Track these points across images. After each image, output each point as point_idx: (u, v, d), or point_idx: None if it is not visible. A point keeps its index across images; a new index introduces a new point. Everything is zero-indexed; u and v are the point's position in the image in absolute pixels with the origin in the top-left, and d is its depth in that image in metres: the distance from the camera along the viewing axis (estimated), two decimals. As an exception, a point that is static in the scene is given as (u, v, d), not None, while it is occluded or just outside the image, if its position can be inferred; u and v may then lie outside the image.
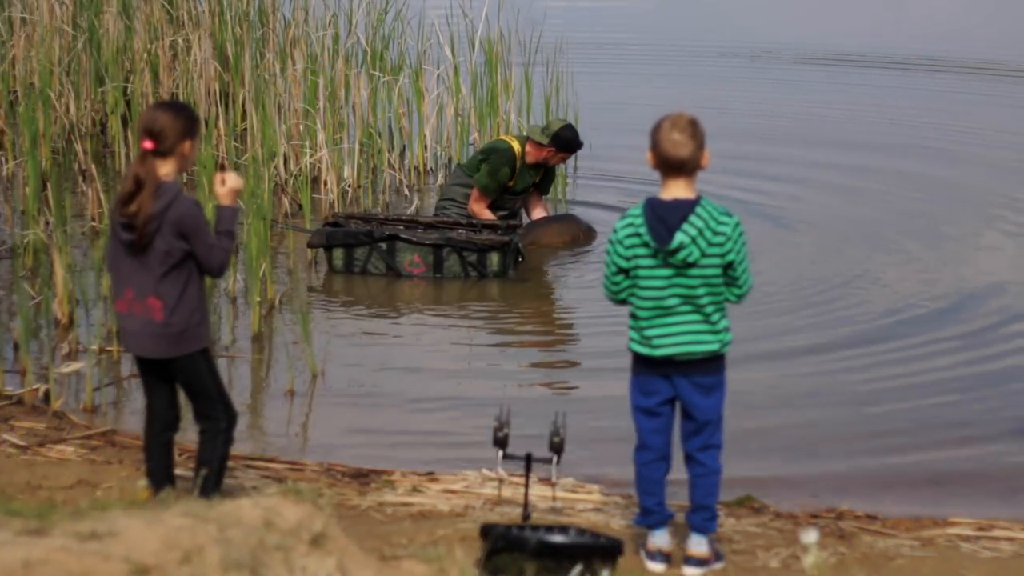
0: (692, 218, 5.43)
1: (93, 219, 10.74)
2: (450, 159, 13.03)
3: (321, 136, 12.01)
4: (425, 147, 13.02)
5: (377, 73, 13.15)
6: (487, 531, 5.37)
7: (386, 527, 6.03)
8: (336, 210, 11.41)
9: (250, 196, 9.79)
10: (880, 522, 6.31)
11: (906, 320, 9.21)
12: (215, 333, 8.45)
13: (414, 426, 7.55)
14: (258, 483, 6.46)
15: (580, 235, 10.83)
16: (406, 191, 12.46)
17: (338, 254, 10.01)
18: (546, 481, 6.28)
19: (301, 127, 12.33)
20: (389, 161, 12.60)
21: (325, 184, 11.89)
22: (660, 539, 5.70)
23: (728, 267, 5.50)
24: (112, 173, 12.39)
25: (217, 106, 13.22)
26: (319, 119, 12.12)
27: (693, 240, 5.42)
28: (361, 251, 9.98)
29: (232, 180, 5.75)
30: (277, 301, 9.38)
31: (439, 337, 9.02)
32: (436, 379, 8.25)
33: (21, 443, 6.95)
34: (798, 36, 21.61)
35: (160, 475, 5.82)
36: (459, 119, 13.06)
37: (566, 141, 10.72)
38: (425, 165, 12.99)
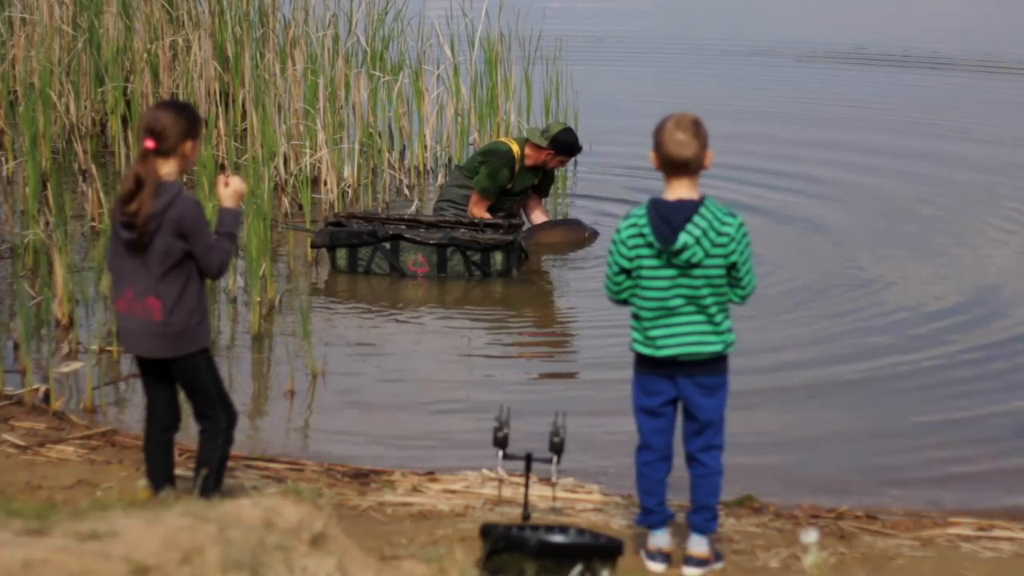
0: (696, 218, 5.43)
1: (93, 219, 10.74)
2: (450, 159, 13.04)
3: (321, 136, 12.01)
4: (425, 147, 13.02)
5: (377, 73, 13.15)
6: (487, 531, 5.37)
7: (386, 527, 6.03)
8: (336, 210, 11.41)
9: (250, 196, 9.78)
10: (880, 522, 6.31)
11: (906, 320, 9.21)
12: (215, 333, 8.45)
13: (414, 426, 7.55)
14: (258, 483, 6.46)
15: (584, 238, 10.84)
16: (406, 191, 12.46)
17: (342, 254, 10.01)
18: (546, 481, 6.28)
19: (301, 127, 12.33)
20: (389, 161, 12.60)
21: (325, 184, 11.89)
22: (660, 539, 5.70)
23: (731, 268, 5.50)
24: (112, 173, 12.40)
25: (217, 106, 13.22)
26: (319, 119, 12.12)
27: (697, 240, 5.42)
28: (365, 251, 9.98)
29: (236, 183, 5.76)
30: (277, 301, 9.38)
31: (439, 337, 9.02)
32: (436, 379, 8.25)
33: (21, 443, 6.95)
34: (797, 33, 21.61)
35: (160, 475, 5.81)
36: (459, 119, 13.07)
37: (565, 145, 10.71)
38: (425, 165, 12.99)
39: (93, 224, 10.64)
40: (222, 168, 12.07)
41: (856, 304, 9.52)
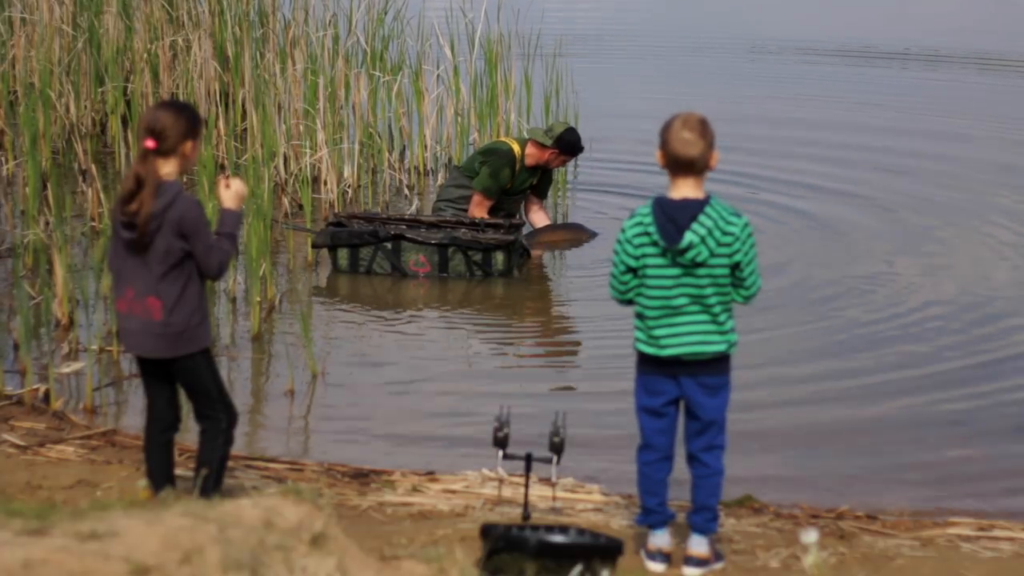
0: (701, 217, 5.43)
1: (93, 219, 10.74)
2: (450, 159, 13.04)
3: (321, 136, 12.01)
4: (425, 147, 13.03)
5: (377, 73, 13.15)
6: (487, 531, 5.37)
7: (386, 527, 6.03)
8: (336, 210, 11.41)
9: (250, 196, 9.78)
10: (880, 522, 6.31)
11: (906, 320, 9.22)
12: (215, 333, 8.45)
13: (414, 426, 7.55)
14: (258, 483, 6.46)
15: (584, 239, 10.85)
16: (406, 191, 12.46)
17: (343, 254, 10.01)
18: (546, 481, 6.28)
19: (301, 127, 12.33)
20: (389, 161, 12.60)
21: (325, 184, 11.89)
22: (660, 539, 5.70)
23: (736, 268, 5.50)
24: (112, 173, 12.40)
25: (217, 106, 13.22)
26: (319, 119, 12.12)
27: (702, 240, 5.42)
28: (366, 251, 9.99)
29: (237, 184, 5.76)
30: (277, 301, 9.38)
31: (440, 337, 9.02)
32: (436, 379, 8.25)
33: (21, 443, 6.95)
34: (797, 31, 21.61)
35: (160, 475, 5.81)
36: (459, 119, 13.07)
37: (569, 144, 10.72)
38: (425, 165, 12.99)
39: (93, 224, 10.64)
40: (222, 168, 12.07)
41: (856, 305, 9.51)
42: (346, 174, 12.09)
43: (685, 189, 5.49)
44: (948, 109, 16.06)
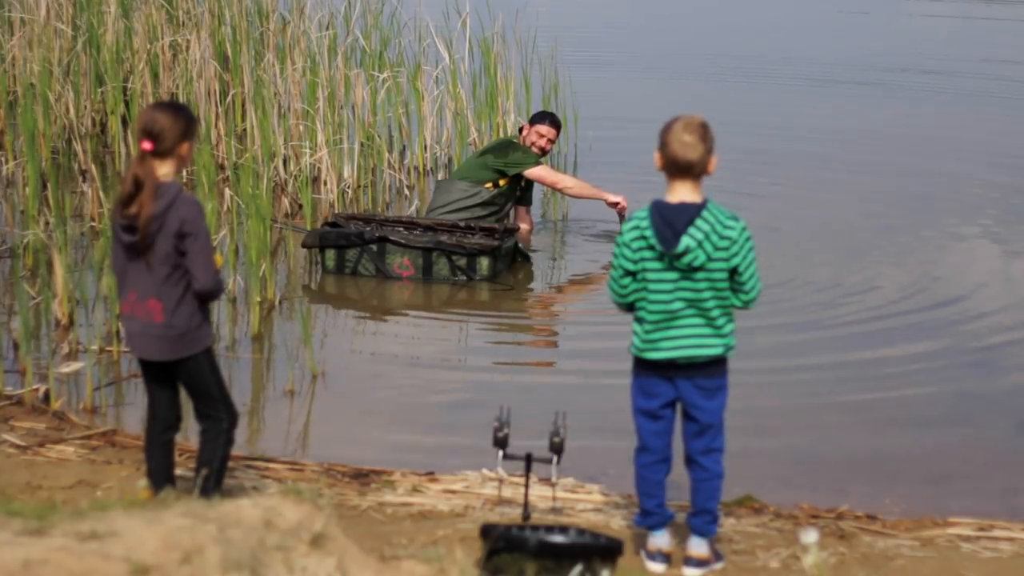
0: (698, 221, 5.42)
1: (93, 219, 10.74)
2: (450, 159, 13.04)
3: (321, 136, 12.01)
4: (425, 147, 13.03)
5: (376, 73, 13.15)
6: (487, 531, 5.37)
7: (386, 527, 6.03)
8: (336, 210, 11.41)
9: (250, 196, 9.79)
10: (880, 522, 6.31)
11: (906, 321, 9.22)
12: (215, 333, 8.45)
13: (414, 426, 7.55)
14: (258, 483, 6.46)
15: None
16: (406, 191, 12.46)
17: (330, 255, 10.02)
18: (546, 481, 6.28)
19: (301, 127, 12.34)
20: (389, 161, 12.60)
21: (325, 184, 11.89)
22: (660, 539, 5.70)
23: (734, 272, 5.48)
24: (112, 173, 12.40)
25: (216, 106, 13.22)
26: (318, 119, 12.12)
27: (699, 244, 5.41)
28: (352, 252, 9.99)
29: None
30: (277, 301, 9.38)
31: (440, 337, 9.02)
32: (436, 379, 8.25)
33: (21, 443, 6.94)
34: (787, 48, 21.62)
35: (160, 475, 5.81)
36: (458, 119, 13.07)
37: (540, 115, 11.02)
38: (425, 165, 12.99)
39: (93, 224, 10.64)
40: (221, 168, 12.08)
41: (855, 306, 9.52)
42: (346, 174, 12.09)
43: (683, 192, 5.47)
44: (929, 124, 16.06)
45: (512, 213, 11.14)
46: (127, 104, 13.20)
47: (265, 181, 10.47)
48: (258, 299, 8.92)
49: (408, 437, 7.40)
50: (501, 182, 10.79)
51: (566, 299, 10.06)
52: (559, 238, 11.17)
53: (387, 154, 12.60)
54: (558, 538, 5.31)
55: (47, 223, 10.07)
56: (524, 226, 11.08)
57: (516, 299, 9.82)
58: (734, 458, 6.13)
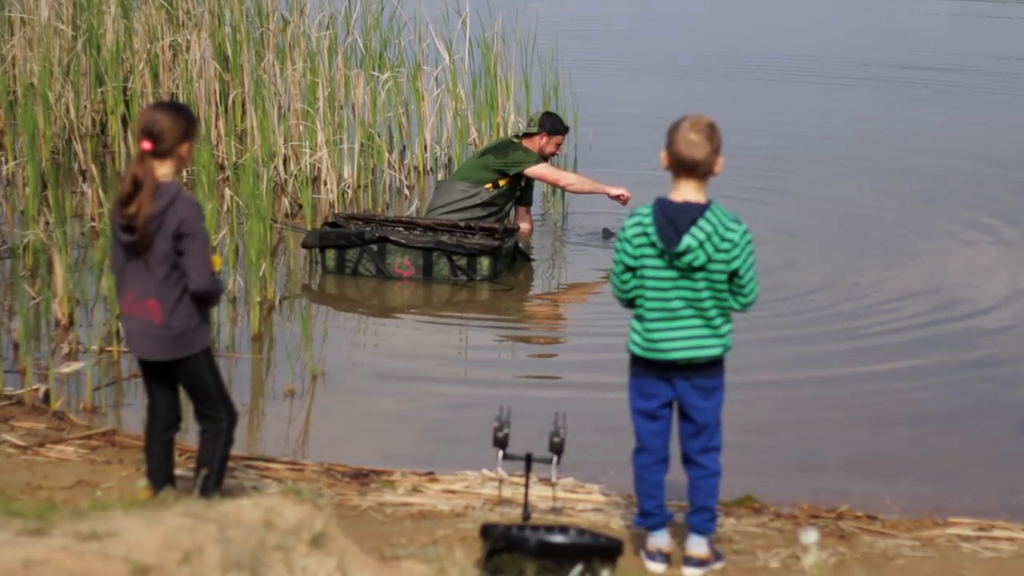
0: (701, 222, 5.41)
1: (93, 219, 10.75)
2: (450, 159, 13.04)
3: (321, 136, 12.01)
4: (425, 147, 13.03)
5: (376, 73, 13.15)
6: (487, 531, 5.37)
7: (386, 527, 6.03)
8: (336, 210, 11.42)
9: (250, 196, 9.79)
10: (880, 522, 6.31)
11: (906, 321, 9.22)
12: (215, 333, 8.45)
13: (414, 426, 7.55)
14: (258, 483, 6.47)
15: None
16: (406, 191, 12.46)
17: (330, 255, 10.02)
18: (546, 481, 6.28)
19: (301, 127, 12.34)
20: (389, 161, 12.60)
21: (325, 184, 11.90)
22: (660, 539, 5.70)
23: (734, 275, 5.48)
24: (112, 173, 12.40)
25: (216, 106, 13.22)
26: (318, 119, 12.12)
27: (700, 244, 5.40)
28: (352, 252, 9.99)
29: None
30: (277, 301, 9.38)
31: (439, 338, 9.02)
32: (436, 379, 8.25)
33: (21, 443, 6.94)
34: (787, 45, 21.61)
35: (160, 475, 5.81)
36: (458, 119, 13.07)
37: (553, 123, 10.94)
38: (425, 165, 12.99)
39: (93, 224, 10.64)
40: (221, 168, 12.08)
41: (855, 305, 9.52)
42: (346, 174, 12.09)
43: (687, 192, 5.47)
44: (924, 121, 16.06)
45: (512, 213, 11.14)
46: (127, 104, 13.20)
47: (265, 181, 10.48)
48: (258, 299, 8.92)
49: (408, 437, 7.41)
50: (501, 182, 10.78)
51: (566, 299, 10.06)
52: (559, 238, 11.17)
53: (387, 154, 12.61)
54: (558, 538, 5.31)
55: (47, 223, 10.07)
56: (524, 226, 11.08)
57: (516, 299, 9.82)
58: (733, 458, 6.13)
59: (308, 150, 11.99)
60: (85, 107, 13.51)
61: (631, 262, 5.52)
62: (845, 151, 14.12)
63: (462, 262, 9.90)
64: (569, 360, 8.82)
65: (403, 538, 5.83)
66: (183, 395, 5.84)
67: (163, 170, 5.58)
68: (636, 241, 5.50)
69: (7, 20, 14.25)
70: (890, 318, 9.27)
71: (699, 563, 5.66)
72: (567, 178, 11.01)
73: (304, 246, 10.17)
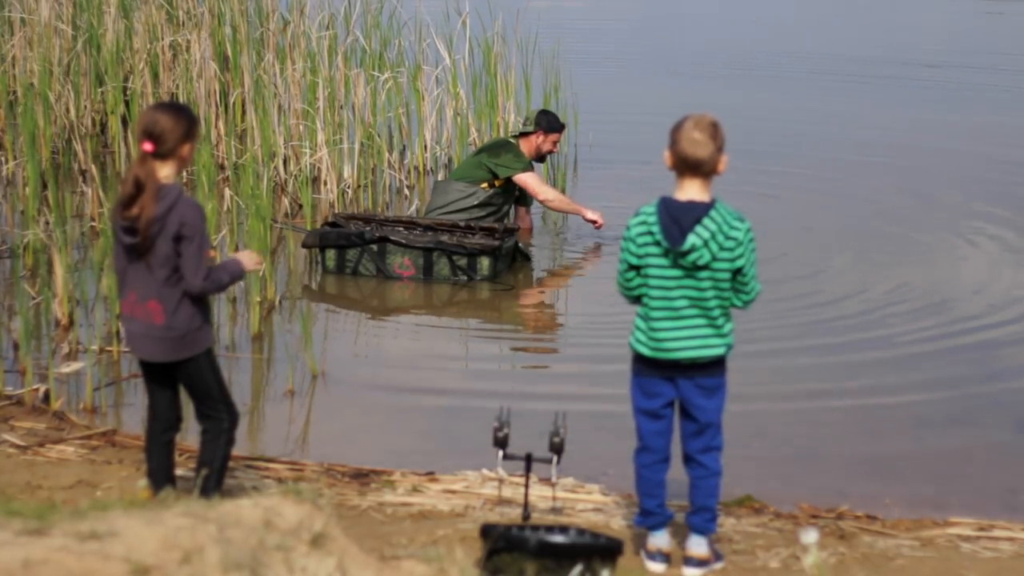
0: (706, 220, 5.42)
1: (93, 219, 10.75)
2: (450, 159, 13.04)
3: (321, 136, 12.01)
4: (425, 147, 13.03)
5: (376, 73, 13.15)
6: (487, 531, 5.37)
7: (386, 527, 6.03)
8: (336, 210, 11.42)
9: (250, 196, 9.79)
10: (880, 522, 6.31)
11: (905, 322, 9.22)
12: (215, 333, 8.45)
13: (414, 426, 7.55)
14: (258, 483, 6.46)
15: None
16: (406, 191, 12.46)
17: (330, 255, 10.02)
18: (546, 481, 6.28)
19: (301, 127, 12.34)
20: (389, 161, 12.60)
21: (325, 184, 11.90)
22: (660, 539, 5.70)
23: (737, 272, 5.49)
24: (112, 173, 12.40)
25: (216, 106, 13.22)
26: (319, 119, 12.12)
27: (705, 243, 5.41)
28: (352, 252, 9.99)
29: (252, 260, 5.80)
30: (277, 301, 9.38)
31: (439, 338, 9.02)
32: (436, 379, 8.25)
33: (21, 443, 6.94)
34: (784, 44, 21.62)
35: (161, 475, 5.81)
36: (458, 119, 13.07)
37: (549, 121, 10.92)
38: (425, 165, 12.99)
39: (93, 224, 10.64)
40: (221, 168, 12.08)
41: (854, 305, 9.52)
42: (346, 174, 12.09)
43: (691, 191, 5.47)
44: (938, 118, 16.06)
45: (512, 213, 11.14)
46: (127, 104, 13.20)
47: (265, 181, 10.48)
48: (258, 299, 8.92)
49: (408, 437, 7.41)
50: (496, 182, 10.78)
51: (566, 299, 10.06)
52: (559, 238, 11.17)
53: (387, 154, 12.61)
54: (558, 538, 5.31)
55: (47, 223, 10.07)
56: (524, 226, 11.08)
57: (516, 299, 9.82)
58: (734, 458, 6.13)
59: (308, 150, 11.99)
60: (85, 107, 13.51)
61: (635, 261, 5.52)
62: (848, 150, 14.11)
63: (462, 262, 9.90)
64: (569, 360, 8.82)
65: (403, 538, 5.83)
66: (184, 395, 5.84)
67: (165, 171, 5.58)
68: (640, 240, 5.50)
69: (7, 20, 14.25)
70: (891, 318, 9.26)
71: (699, 563, 5.66)
72: (548, 193, 10.87)
73: (304, 246, 10.17)
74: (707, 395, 5.56)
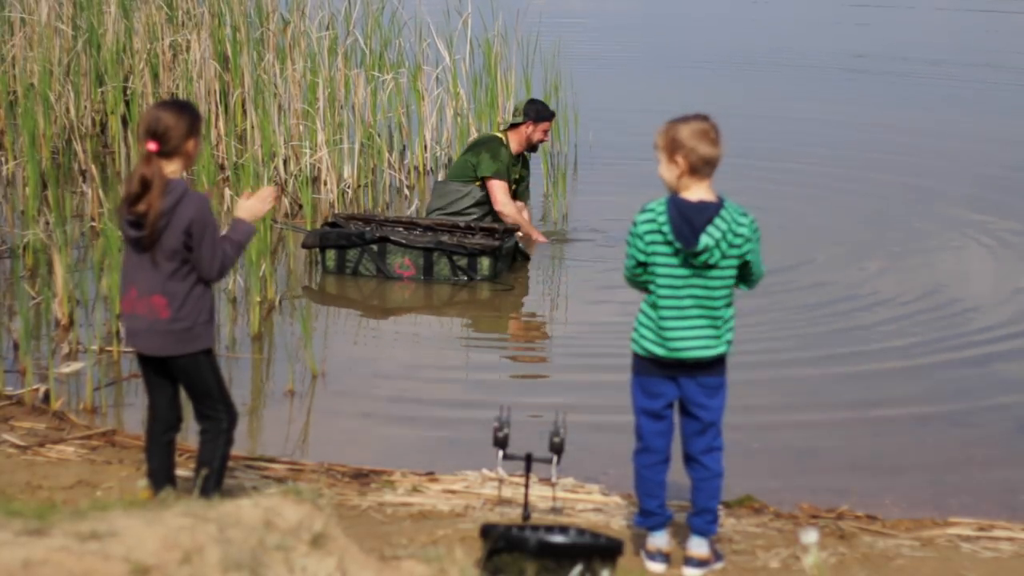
0: (717, 220, 5.42)
1: (93, 219, 10.75)
2: (450, 159, 13.04)
3: (321, 136, 12.01)
4: (425, 147, 13.03)
5: (376, 74, 13.15)
6: (487, 531, 5.37)
7: (386, 527, 6.03)
8: (336, 210, 11.42)
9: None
10: (880, 522, 6.31)
11: (905, 322, 9.23)
12: (215, 333, 8.45)
13: (414, 426, 7.55)
14: (258, 483, 6.46)
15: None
16: (406, 191, 12.46)
17: (330, 255, 10.03)
18: (546, 481, 6.28)
19: (301, 127, 12.34)
20: (389, 161, 12.60)
21: (325, 184, 11.90)
22: (660, 539, 5.70)
23: (744, 265, 5.51)
24: (112, 173, 12.40)
25: (216, 106, 13.22)
26: (319, 119, 12.12)
27: (717, 243, 5.41)
28: (352, 252, 9.99)
29: (258, 200, 5.77)
30: (277, 301, 9.38)
31: (439, 337, 9.02)
32: (436, 379, 8.25)
33: (21, 443, 6.94)
34: (782, 43, 21.60)
35: (161, 475, 5.81)
36: (458, 119, 13.07)
37: (538, 110, 10.87)
38: (425, 165, 12.99)
39: (93, 224, 10.64)
40: (221, 168, 12.08)
41: (855, 305, 9.53)
42: (346, 174, 12.10)
43: (701, 191, 5.48)
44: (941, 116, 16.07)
45: None
46: (127, 104, 13.20)
47: (265, 181, 10.47)
48: (258, 299, 8.92)
49: (408, 437, 7.41)
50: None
51: (566, 299, 10.06)
52: (559, 237, 11.16)
53: (387, 154, 12.61)
54: (558, 538, 5.31)
55: (47, 223, 10.07)
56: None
57: (516, 299, 9.82)
58: (734, 458, 6.13)
59: (308, 150, 11.99)
60: (85, 107, 13.51)
61: (642, 257, 5.52)
62: (848, 150, 14.12)
63: (463, 262, 9.90)
64: (569, 360, 8.82)
65: (403, 538, 5.83)
66: (183, 396, 5.84)
67: (170, 168, 5.56)
68: (648, 238, 5.49)
69: (7, 20, 14.25)
70: (891, 318, 9.27)
71: (699, 563, 5.66)
72: (507, 207, 10.72)
73: (304, 246, 10.17)
74: (710, 394, 5.56)
